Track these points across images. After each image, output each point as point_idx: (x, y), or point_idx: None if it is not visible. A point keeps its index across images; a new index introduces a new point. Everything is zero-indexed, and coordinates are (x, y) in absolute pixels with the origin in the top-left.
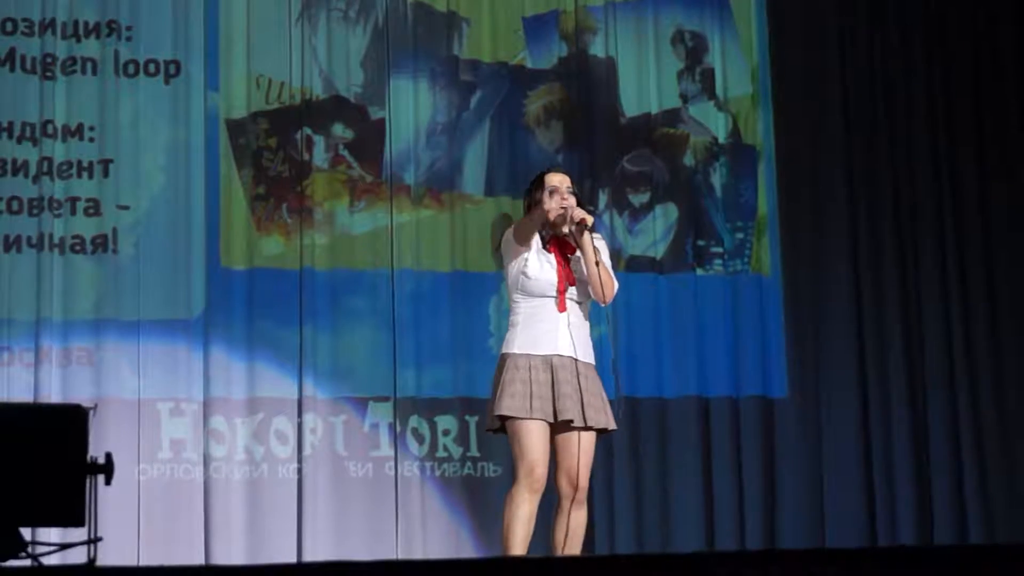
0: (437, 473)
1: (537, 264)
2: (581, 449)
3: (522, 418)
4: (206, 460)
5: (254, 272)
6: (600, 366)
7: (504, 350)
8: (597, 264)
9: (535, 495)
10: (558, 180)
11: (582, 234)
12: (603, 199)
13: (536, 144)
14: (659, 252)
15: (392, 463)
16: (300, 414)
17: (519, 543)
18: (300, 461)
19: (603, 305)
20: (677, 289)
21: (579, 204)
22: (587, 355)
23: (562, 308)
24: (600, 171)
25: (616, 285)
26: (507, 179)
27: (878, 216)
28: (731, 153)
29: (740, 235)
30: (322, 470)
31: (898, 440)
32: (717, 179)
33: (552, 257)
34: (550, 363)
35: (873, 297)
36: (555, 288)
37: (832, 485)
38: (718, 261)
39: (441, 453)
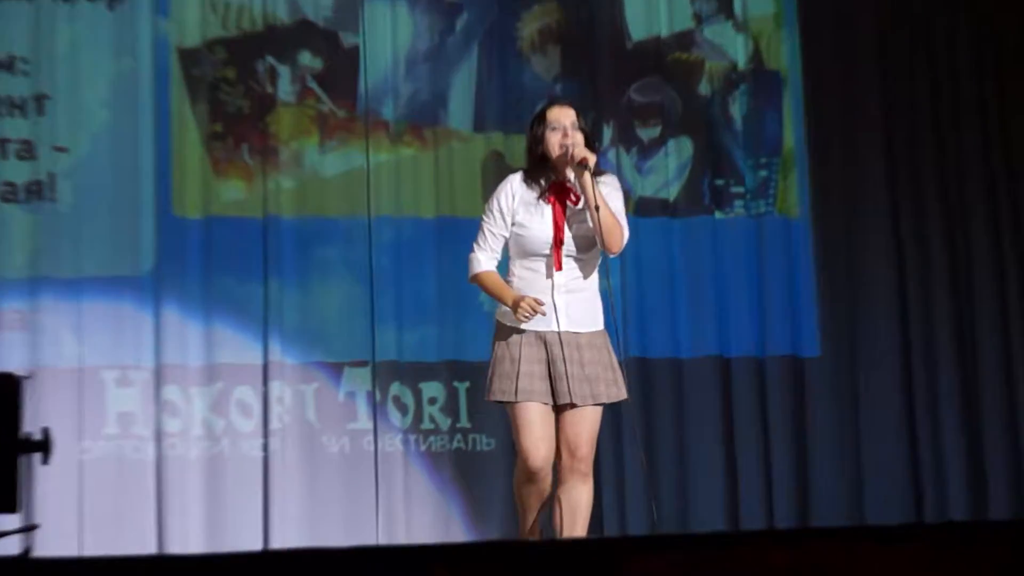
0: (422, 447)
1: (530, 216)
2: (582, 421)
3: (514, 401)
4: (158, 436)
5: (211, 221)
6: (606, 324)
7: (498, 316)
8: (597, 209)
9: (533, 481)
10: (559, 114)
11: (581, 175)
12: (608, 134)
13: (531, 72)
14: (672, 193)
15: (371, 436)
16: (265, 382)
17: (529, 512)
18: (266, 436)
19: (611, 256)
20: (693, 234)
21: (587, 141)
22: (586, 323)
23: (558, 266)
24: (604, 102)
25: (626, 233)
26: (498, 113)
27: (918, 147)
28: (752, 80)
29: (763, 172)
30: (291, 446)
31: (946, 403)
32: (737, 110)
33: (548, 209)
34: (543, 339)
35: (915, 239)
36: (548, 245)
37: (871, 455)
38: (739, 202)
39: (427, 424)
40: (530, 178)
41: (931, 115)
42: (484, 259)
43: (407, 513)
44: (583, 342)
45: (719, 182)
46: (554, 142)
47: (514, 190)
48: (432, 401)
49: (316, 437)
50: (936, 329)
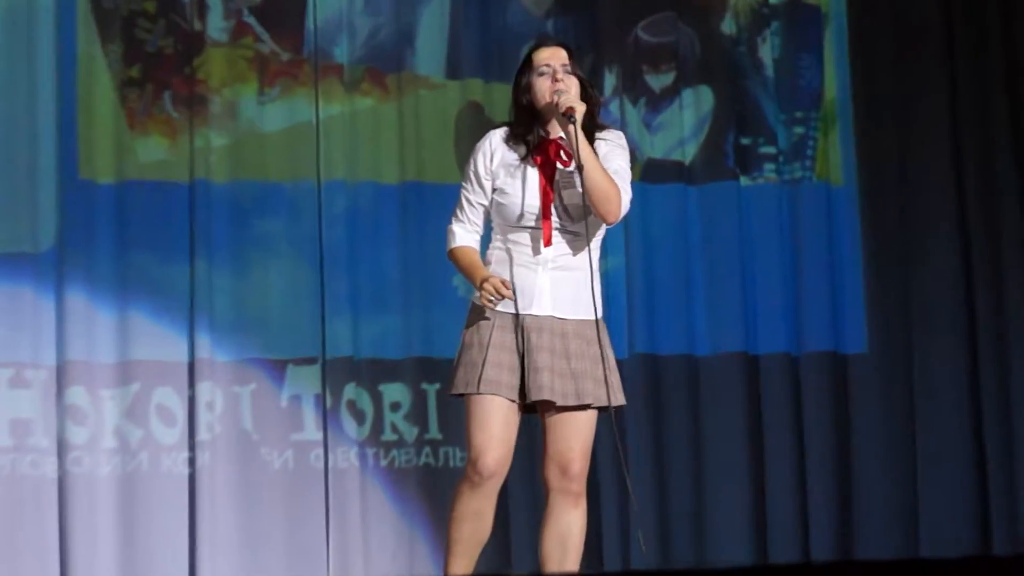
0: (383, 463)
1: (512, 181)
2: (574, 429)
3: (475, 393)
4: (61, 448)
5: (126, 186)
6: (608, 314)
7: (472, 298)
8: (580, 168)
9: (478, 489)
10: (547, 56)
11: (566, 127)
12: (611, 82)
13: (517, 6)
14: (688, 154)
15: (320, 450)
16: (192, 383)
17: (459, 546)
18: (193, 449)
19: (608, 224)
20: (713, 204)
21: (583, 89)
22: (577, 308)
23: (547, 242)
24: (606, 43)
25: (625, 198)
26: (476, 56)
27: (990, 98)
28: (787, 16)
29: (800, 129)
30: (223, 460)
31: (1020, 412)
32: (768, 53)
33: (534, 172)
34: (521, 324)
35: (984, 211)
36: (534, 215)
37: (929, 474)
38: (770, 165)
39: (389, 435)
40: (514, 135)
41: (1006, 57)
42: (461, 233)
43: (365, 542)
44: (570, 331)
45: (745, 141)
46: (543, 89)
47: (493, 148)
48: (395, 407)
49: (254, 450)
50: (1009, 322)
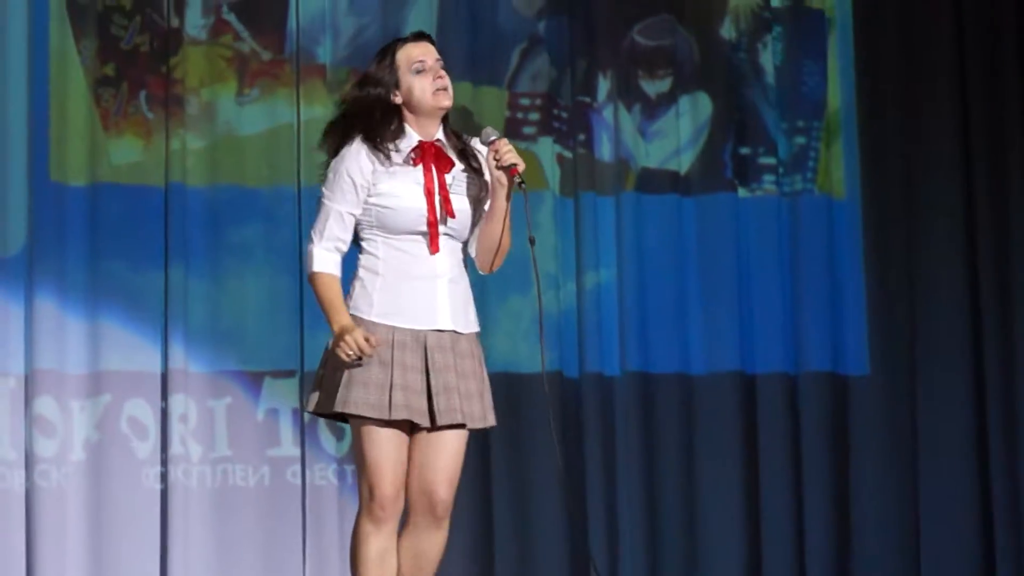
0: None
1: (396, 184)
2: (445, 455)
3: (375, 420)
4: (28, 461)
5: (99, 189)
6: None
7: (353, 310)
8: (532, 241)
9: (383, 525)
10: (421, 53)
11: (511, 188)
12: (604, 87)
13: (506, 6)
14: (684, 164)
15: (298, 466)
16: (165, 396)
17: None
18: (165, 463)
19: (482, 273)
20: (710, 216)
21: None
22: (470, 323)
23: (435, 247)
24: (600, 46)
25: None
26: (464, 58)
27: (1001, 107)
28: (789, 21)
29: (801, 139)
30: (197, 476)
31: None
32: (769, 59)
33: (418, 173)
34: (423, 342)
35: (994, 227)
36: (425, 219)
37: (932, 503)
38: (769, 177)
39: None
40: (386, 136)
41: (1020, 66)
42: (324, 257)
43: (342, 562)
44: (463, 349)
45: (744, 151)
46: (424, 87)
47: (362, 160)
48: None
49: (229, 465)
50: (1016, 344)
